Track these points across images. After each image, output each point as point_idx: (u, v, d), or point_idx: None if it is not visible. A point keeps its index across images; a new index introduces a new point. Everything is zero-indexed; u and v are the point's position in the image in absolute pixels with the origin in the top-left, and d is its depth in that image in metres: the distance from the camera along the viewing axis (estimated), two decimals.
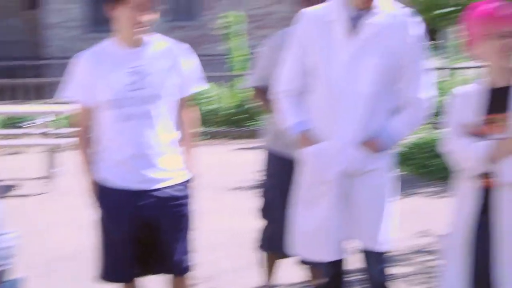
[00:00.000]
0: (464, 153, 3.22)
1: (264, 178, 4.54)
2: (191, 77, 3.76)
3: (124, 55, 3.64)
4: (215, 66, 12.52)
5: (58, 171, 8.25)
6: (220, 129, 11.49)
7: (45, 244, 5.96)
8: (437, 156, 6.71)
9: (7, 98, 12.83)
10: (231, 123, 11.69)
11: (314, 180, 3.71)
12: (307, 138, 3.72)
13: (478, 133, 3.21)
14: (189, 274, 3.80)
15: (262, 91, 4.41)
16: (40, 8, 18.80)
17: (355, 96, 3.60)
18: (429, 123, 7.90)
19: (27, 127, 9.70)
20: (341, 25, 3.61)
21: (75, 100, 3.72)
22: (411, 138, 8.45)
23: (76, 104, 3.74)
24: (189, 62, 3.75)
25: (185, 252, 3.75)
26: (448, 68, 12.93)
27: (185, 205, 3.73)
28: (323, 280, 3.94)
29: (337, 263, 3.82)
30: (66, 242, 6.00)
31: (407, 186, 7.19)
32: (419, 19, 3.70)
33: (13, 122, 10.57)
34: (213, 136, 11.16)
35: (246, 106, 11.33)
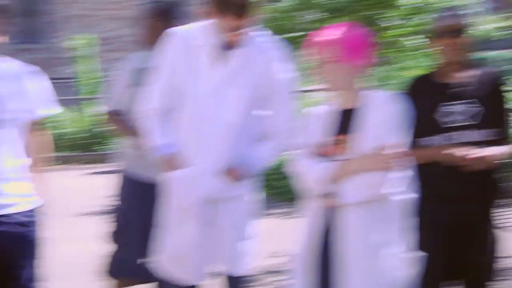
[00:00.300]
0: (308, 173, 3.29)
1: (118, 202, 4.49)
2: (40, 100, 3.67)
3: None
4: (64, 89, 12.26)
5: None
6: (70, 153, 11.27)
7: None
8: (287, 177, 6.86)
9: None
10: (80, 147, 11.50)
11: (179, 205, 3.72)
12: (172, 162, 3.71)
13: (323, 154, 3.30)
14: None
15: (116, 115, 4.37)
16: None
17: (220, 124, 3.64)
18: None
19: None
20: (208, 52, 3.63)
21: None
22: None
23: None
24: (37, 85, 3.66)
25: (31, 279, 3.64)
26: (300, 91, 13.23)
27: (32, 231, 3.61)
28: None
29: None
30: None
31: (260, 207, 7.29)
32: (286, 47, 3.77)
33: None
34: (63, 161, 10.92)
35: (95, 130, 11.17)
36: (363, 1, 7.89)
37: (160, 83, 3.76)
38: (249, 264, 3.78)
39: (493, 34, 9.02)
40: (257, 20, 3.62)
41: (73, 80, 12.71)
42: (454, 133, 3.72)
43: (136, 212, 4.27)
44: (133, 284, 4.37)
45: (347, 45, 3.25)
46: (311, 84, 12.96)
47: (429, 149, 3.75)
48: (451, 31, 3.75)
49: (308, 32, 3.47)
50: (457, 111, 3.74)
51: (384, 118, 3.21)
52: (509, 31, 9.22)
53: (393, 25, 8.08)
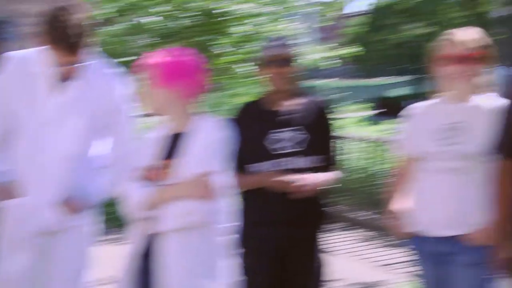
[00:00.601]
0: (131, 197, 3.25)
1: None
2: None
3: None
4: None
5: None
6: None
7: None
8: (115, 203, 6.75)
9: None
10: None
11: (13, 235, 3.56)
12: (7, 190, 3.55)
13: (147, 179, 3.26)
14: None
15: None
16: None
17: (57, 154, 3.51)
18: None
19: None
20: (45, 80, 3.49)
21: None
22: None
23: None
24: None
25: None
26: (137, 116, 13.07)
27: None
28: None
29: None
30: None
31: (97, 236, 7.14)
32: (122, 72, 3.70)
33: None
34: None
35: None
36: (195, 28, 7.95)
37: None
38: None
39: (321, 63, 9.33)
40: (92, 48, 3.53)
41: None
42: (282, 159, 3.79)
43: None
44: None
45: (171, 70, 3.24)
46: (146, 109, 12.92)
47: (257, 175, 3.80)
48: (278, 60, 3.83)
49: (138, 57, 3.42)
50: (285, 138, 3.82)
51: (208, 143, 3.20)
52: (336, 61, 9.57)
53: (225, 52, 8.19)
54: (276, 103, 3.90)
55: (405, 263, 6.03)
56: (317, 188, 3.77)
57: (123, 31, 7.98)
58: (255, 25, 8.08)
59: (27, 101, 3.52)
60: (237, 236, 3.40)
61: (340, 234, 7.96)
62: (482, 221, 3.18)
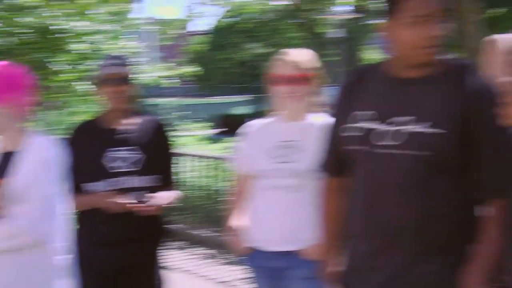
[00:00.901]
0: None
1: None
2: None
3: None
4: None
5: None
6: None
7: None
8: None
9: None
10: None
11: None
12: None
13: None
14: None
15: None
16: None
17: None
18: None
19: None
20: None
21: None
22: None
23: None
24: None
25: None
26: None
27: None
28: None
29: None
30: None
31: None
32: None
33: None
34: None
35: None
36: (31, 44, 7.76)
37: None
38: None
39: (161, 82, 9.34)
40: None
41: None
42: (119, 178, 3.76)
43: None
44: None
45: None
46: None
47: (93, 195, 3.75)
48: (115, 79, 3.81)
49: None
50: (121, 157, 3.80)
51: (40, 162, 3.11)
52: (175, 80, 9.62)
53: (64, 69, 8.04)
54: (113, 121, 3.87)
55: (244, 280, 6.11)
56: (155, 208, 3.76)
57: None
58: (92, 42, 7.98)
59: None
60: (73, 256, 3.34)
61: (181, 252, 7.97)
62: (315, 237, 3.29)
